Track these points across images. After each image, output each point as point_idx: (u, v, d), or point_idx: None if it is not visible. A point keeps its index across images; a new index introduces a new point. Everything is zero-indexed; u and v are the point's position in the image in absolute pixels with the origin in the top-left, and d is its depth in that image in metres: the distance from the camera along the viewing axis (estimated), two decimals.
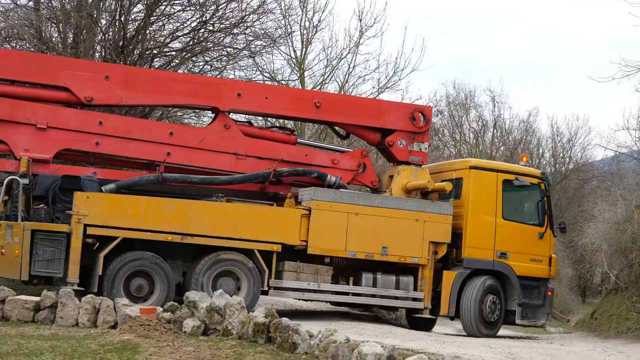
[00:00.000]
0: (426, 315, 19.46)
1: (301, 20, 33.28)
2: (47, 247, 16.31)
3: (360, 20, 33.51)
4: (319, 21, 33.52)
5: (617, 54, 42.64)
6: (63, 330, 14.09)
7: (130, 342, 13.05)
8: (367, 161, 19.98)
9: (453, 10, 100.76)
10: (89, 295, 15.03)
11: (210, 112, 20.22)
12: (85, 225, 16.64)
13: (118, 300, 14.80)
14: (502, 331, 21.32)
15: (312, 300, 19.76)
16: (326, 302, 20.08)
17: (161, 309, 14.51)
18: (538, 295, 20.08)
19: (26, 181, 16.72)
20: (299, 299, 19.72)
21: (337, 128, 21.08)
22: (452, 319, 20.46)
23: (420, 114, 19.92)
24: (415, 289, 19.13)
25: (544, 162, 53.44)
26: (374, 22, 33.44)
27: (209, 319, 14.11)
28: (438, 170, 20.55)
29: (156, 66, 25.59)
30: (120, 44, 24.23)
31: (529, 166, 21.93)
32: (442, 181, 19.55)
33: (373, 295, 18.93)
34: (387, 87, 33.56)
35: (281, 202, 18.72)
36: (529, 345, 16.99)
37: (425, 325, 20.47)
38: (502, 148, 51.20)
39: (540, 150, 53.91)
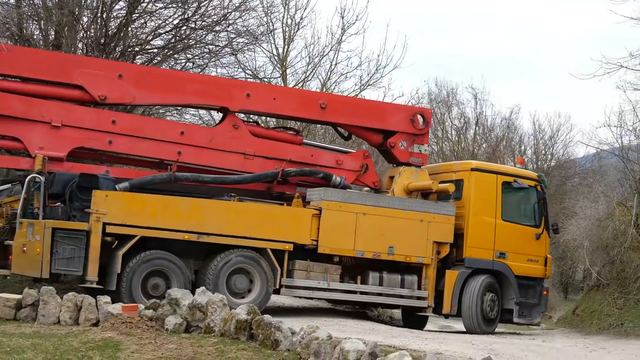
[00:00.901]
0: (429, 313, 19.94)
1: (283, 17, 33.17)
2: (67, 245, 16.36)
3: (343, 18, 33.38)
4: (301, 18, 33.40)
5: (599, 51, 42.86)
6: (45, 328, 14.05)
7: (112, 339, 13.04)
8: (369, 162, 20.28)
9: (435, 7, 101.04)
10: (70, 293, 15.00)
11: (207, 110, 20.22)
12: (104, 224, 16.71)
13: (100, 298, 14.78)
14: None
15: (322, 299, 20.06)
16: (325, 300, 20.45)
17: (143, 307, 14.51)
18: (534, 295, 20.62)
19: (42, 179, 16.68)
20: (309, 298, 19.90)
21: (339, 129, 21.32)
22: (446, 317, 20.99)
23: (420, 116, 20.26)
24: (419, 287, 19.50)
25: (526, 160, 53.55)
26: (356, 20, 33.32)
27: (191, 317, 14.11)
28: (437, 171, 20.92)
29: (138, 63, 25.52)
30: (102, 41, 24.15)
31: (526, 169, 22.49)
32: (441, 182, 19.82)
33: (379, 294, 19.22)
34: (369, 85, 33.48)
35: (286, 201, 18.90)
36: (510, 342, 17.05)
37: (418, 323, 20.86)
38: (484, 145, 51.31)
39: (522, 147, 54.10)
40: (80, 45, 24.64)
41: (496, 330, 20.62)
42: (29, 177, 16.62)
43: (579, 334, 20.75)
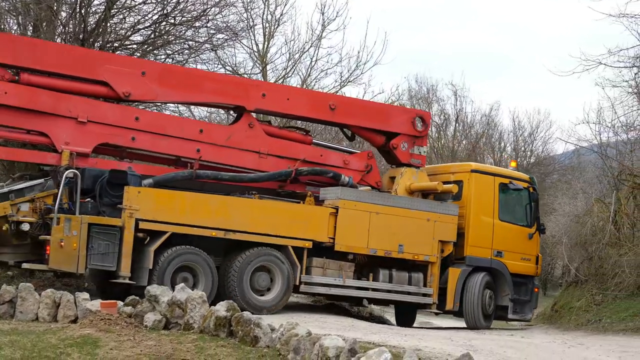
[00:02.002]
0: (434, 310, 20.65)
1: (263, 13, 33.18)
2: (102, 241, 16.45)
3: (323, 14, 33.36)
4: (281, 14, 33.45)
5: (581, 49, 43.07)
6: (23, 324, 14.02)
7: (91, 336, 13.00)
8: (372, 163, 20.78)
9: (416, 3, 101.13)
10: (49, 290, 14.98)
11: (222, 109, 20.48)
12: (137, 220, 16.81)
13: (78, 295, 14.74)
14: (458, 323, 21.97)
15: (337, 295, 20.28)
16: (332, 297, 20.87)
17: (122, 303, 14.47)
18: (526, 292, 21.50)
19: (71, 174, 16.74)
20: (326, 294, 20.22)
21: (345, 130, 21.77)
22: (436, 314, 21.92)
23: (420, 119, 20.87)
24: (424, 285, 20.06)
25: (506, 156, 53.71)
26: (337, 16, 33.34)
27: (170, 313, 14.09)
28: (434, 172, 21.54)
29: None
30: (81, 36, 24.03)
31: (518, 171, 23.41)
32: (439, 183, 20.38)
33: (389, 291, 19.72)
34: (349, 81, 33.52)
35: (296, 200, 19.21)
36: (489, 338, 17.09)
37: (409, 321, 21.88)
38: (464, 142, 51.47)
39: (502, 144, 54.31)
40: (58, 40, 24.51)
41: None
42: (66, 172, 16.64)
43: (557, 329, 20.82)
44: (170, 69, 20.38)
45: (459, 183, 20.73)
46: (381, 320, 22.78)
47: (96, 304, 14.41)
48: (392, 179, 20.68)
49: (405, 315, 21.92)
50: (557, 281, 42.78)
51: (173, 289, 16.62)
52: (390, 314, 25.16)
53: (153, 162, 19.15)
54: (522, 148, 53.93)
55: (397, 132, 20.59)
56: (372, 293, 19.65)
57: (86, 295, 14.83)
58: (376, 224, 19.22)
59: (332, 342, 11.51)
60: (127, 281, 16.70)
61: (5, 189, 16.91)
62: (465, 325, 20.69)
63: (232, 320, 13.37)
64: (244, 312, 13.52)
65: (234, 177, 18.71)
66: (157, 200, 17.18)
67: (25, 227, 16.47)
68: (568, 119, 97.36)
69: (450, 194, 20.30)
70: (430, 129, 21.85)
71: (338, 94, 31.69)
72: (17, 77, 17.17)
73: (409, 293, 19.88)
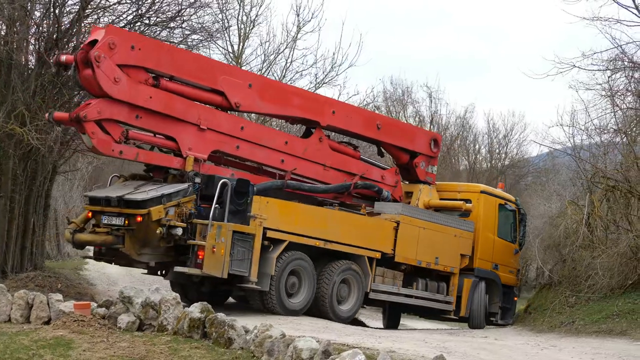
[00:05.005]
0: (452, 316, 22.63)
1: (238, 14, 33.13)
2: (240, 248, 17.16)
3: (298, 15, 33.32)
4: (256, 16, 33.43)
5: (558, 51, 43.21)
6: None
7: (64, 338, 12.96)
8: (399, 179, 22.21)
9: (392, 5, 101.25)
10: (22, 291, 14.93)
11: (296, 123, 22.54)
12: (265, 228, 17.70)
13: (51, 296, 14.67)
14: (437, 325, 22.10)
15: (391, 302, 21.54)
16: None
17: (95, 305, 14.41)
18: (508, 300, 24.06)
19: (198, 180, 17.36)
20: (387, 301, 21.34)
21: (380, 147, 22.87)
22: (453, 320, 23.71)
23: (434, 141, 22.72)
24: (447, 293, 22.05)
25: (480, 158, 53.90)
26: (312, 17, 33.29)
27: (144, 315, 14.05)
28: (440, 189, 23.29)
29: None
30: (55, 37, 23.91)
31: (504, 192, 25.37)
32: (441, 199, 22.64)
33: (424, 298, 21.42)
34: (324, 83, 33.55)
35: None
36: (463, 340, 17.14)
37: (396, 324, 24.06)
38: None
39: (477, 146, 54.41)
40: (32, 40, 24.38)
41: (448, 327, 20.98)
42: (220, 182, 17.19)
43: (531, 331, 20.88)
44: (270, 83, 21.52)
45: (466, 202, 22.46)
46: (355, 322, 22.80)
47: (69, 305, 14.36)
48: (408, 194, 22.27)
49: (393, 320, 23.86)
50: (531, 283, 42.97)
51: (286, 292, 18.03)
52: (364, 316, 25.22)
53: (240, 169, 19.73)
54: (497, 150, 54.07)
55: (419, 152, 22.20)
56: (414, 300, 21.19)
57: (59, 296, 14.78)
58: (423, 238, 20.97)
59: (306, 344, 11.54)
60: (255, 287, 17.44)
61: (158, 193, 17.08)
62: (439, 327, 21.04)
63: (206, 322, 13.35)
64: (219, 313, 13.50)
65: (311, 188, 19.79)
66: (280, 211, 18.18)
67: (179, 231, 16.92)
68: (542, 122, 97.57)
69: (470, 212, 22.29)
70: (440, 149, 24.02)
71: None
72: (156, 83, 17.50)
73: (437, 301, 21.65)
